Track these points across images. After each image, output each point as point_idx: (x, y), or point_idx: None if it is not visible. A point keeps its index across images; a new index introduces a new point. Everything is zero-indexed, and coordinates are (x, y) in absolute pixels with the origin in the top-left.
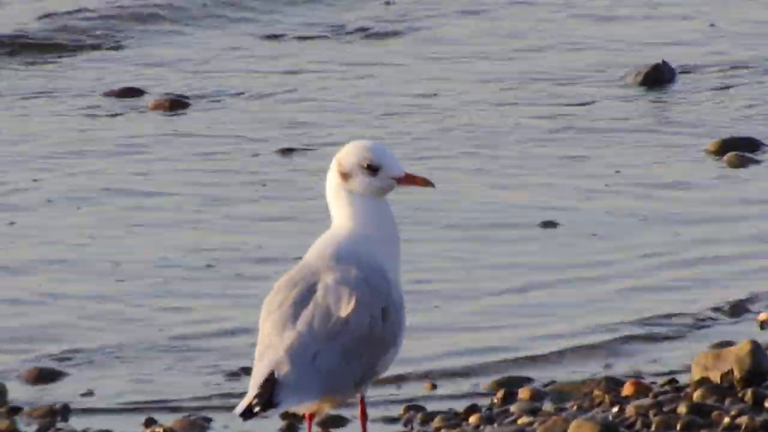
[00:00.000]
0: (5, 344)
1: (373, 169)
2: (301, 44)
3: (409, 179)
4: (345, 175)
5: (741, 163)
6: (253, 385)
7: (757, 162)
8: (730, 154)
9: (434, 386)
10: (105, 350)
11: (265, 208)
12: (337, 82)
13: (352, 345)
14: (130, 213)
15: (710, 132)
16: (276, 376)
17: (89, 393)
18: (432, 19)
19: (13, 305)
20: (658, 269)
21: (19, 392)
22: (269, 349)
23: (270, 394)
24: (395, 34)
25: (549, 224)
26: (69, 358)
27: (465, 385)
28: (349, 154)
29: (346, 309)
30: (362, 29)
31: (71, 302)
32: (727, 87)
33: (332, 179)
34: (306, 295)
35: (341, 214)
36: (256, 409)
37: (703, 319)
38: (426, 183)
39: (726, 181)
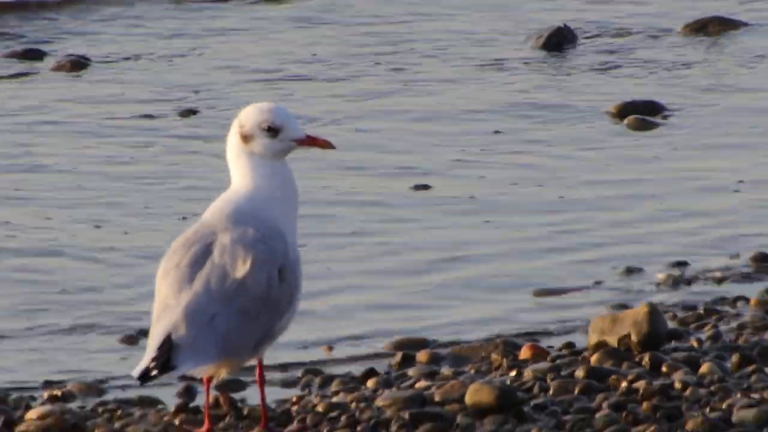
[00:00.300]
0: None
1: (273, 131)
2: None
3: (310, 141)
4: (246, 137)
5: (642, 126)
6: (150, 348)
7: (656, 125)
8: (630, 117)
9: (331, 349)
10: None
11: (152, 168)
12: (242, 46)
13: (250, 306)
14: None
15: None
16: (173, 338)
17: None
18: None
19: None
20: (555, 233)
21: None
22: (166, 310)
23: (167, 356)
24: None
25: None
26: None
27: (363, 348)
28: (249, 115)
29: (242, 269)
30: None
31: None
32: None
33: (232, 140)
34: (203, 255)
35: (240, 175)
36: (154, 372)
37: (599, 282)
38: (327, 145)
39: (626, 142)
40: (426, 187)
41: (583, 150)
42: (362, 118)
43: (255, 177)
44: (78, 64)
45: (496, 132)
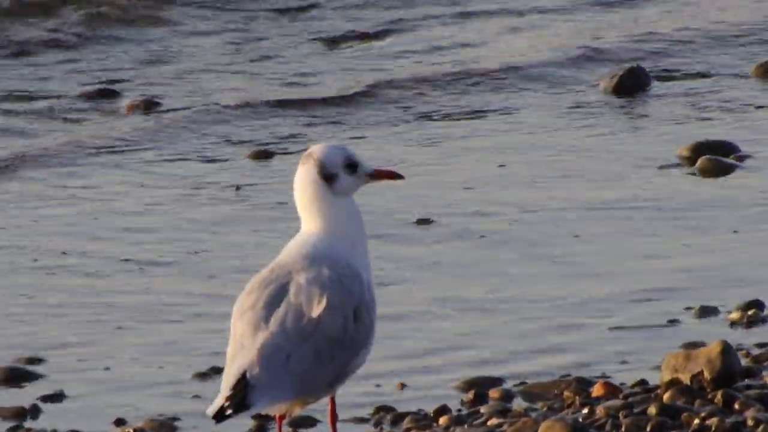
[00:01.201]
0: None
1: (353, 167)
2: None
3: (380, 174)
4: (329, 177)
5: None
6: (224, 387)
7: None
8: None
9: (404, 386)
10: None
11: None
12: None
13: (325, 346)
14: None
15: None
16: (248, 377)
17: (59, 394)
18: None
19: None
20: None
21: None
22: (242, 350)
23: (242, 395)
24: None
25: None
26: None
27: (436, 386)
28: (329, 155)
29: (318, 309)
30: None
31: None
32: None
33: (313, 182)
34: (278, 295)
35: (317, 216)
36: (229, 411)
37: (673, 320)
38: (395, 176)
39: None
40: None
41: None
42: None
43: (333, 217)
44: None
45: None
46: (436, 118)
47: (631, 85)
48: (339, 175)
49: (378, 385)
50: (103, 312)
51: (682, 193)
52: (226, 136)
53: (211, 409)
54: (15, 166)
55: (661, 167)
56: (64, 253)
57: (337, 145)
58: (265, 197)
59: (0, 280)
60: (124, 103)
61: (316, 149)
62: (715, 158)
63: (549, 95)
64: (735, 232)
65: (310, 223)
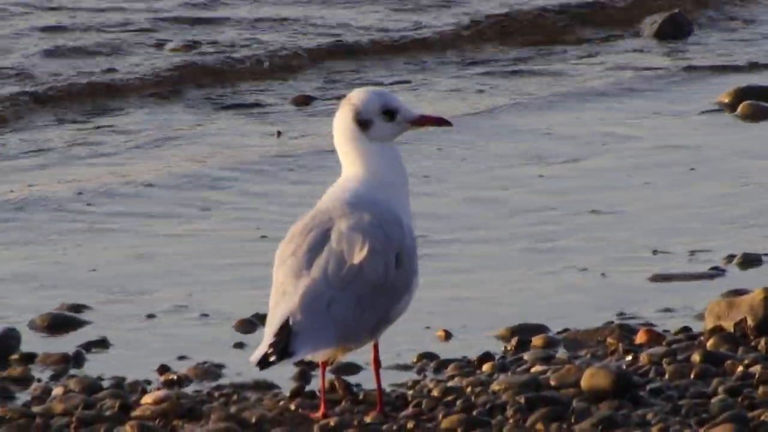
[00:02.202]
0: (20, 292)
1: (391, 114)
2: None
3: (425, 120)
4: (363, 123)
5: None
6: (267, 334)
7: None
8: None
9: (448, 334)
10: (120, 300)
11: None
12: None
13: (367, 292)
14: None
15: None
16: (291, 324)
17: (103, 341)
18: None
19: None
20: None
21: (33, 339)
22: (284, 297)
23: (285, 343)
24: None
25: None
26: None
27: (479, 334)
28: (366, 100)
29: (359, 255)
30: None
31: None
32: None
33: (347, 126)
34: (320, 241)
35: (354, 160)
36: (272, 358)
37: (716, 267)
38: (442, 122)
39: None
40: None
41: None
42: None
43: (371, 162)
44: None
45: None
46: None
47: (673, 31)
48: (374, 121)
49: (426, 328)
50: (148, 261)
51: (723, 138)
52: None
53: (255, 357)
54: None
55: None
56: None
57: (378, 91)
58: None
59: (46, 225)
60: None
61: (354, 94)
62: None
63: None
64: None
65: (349, 168)
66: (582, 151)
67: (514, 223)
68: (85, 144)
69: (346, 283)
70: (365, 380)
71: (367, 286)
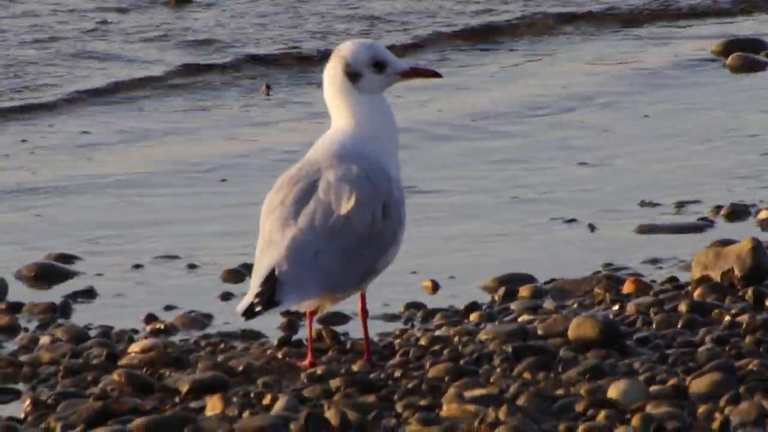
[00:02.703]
0: (6, 241)
1: (380, 66)
2: None
3: (415, 72)
4: (352, 75)
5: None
6: (254, 284)
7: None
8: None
9: (436, 284)
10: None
11: None
12: None
13: (353, 242)
14: None
15: None
16: (277, 274)
17: (89, 291)
18: None
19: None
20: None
21: (19, 289)
22: (270, 246)
23: (271, 292)
24: None
25: None
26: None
27: (465, 284)
28: (355, 53)
29: (346, 206)
30: None
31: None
32: None
33: (337, 79)
34: (307, 192)
35: (343, 113)
36: (258, 308)
37: (703, 218)
38: (433, 74)
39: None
40: None
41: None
42: None
43: (360, 114)
44: None
45: None
46: None
47: None
48: (363, 73)
49: (412, 273)
50: (136, 210)
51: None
52: None
53: (241, 306)
54: None
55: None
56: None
57: (367, 43)
58: None
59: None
60: None
61: (344, 46)
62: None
63: None
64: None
65: (338, 120)
66: (572, 104)
67: (503, 174)
68: None
69: (332, 233)
70: (353, 330)
71: (354, 237)
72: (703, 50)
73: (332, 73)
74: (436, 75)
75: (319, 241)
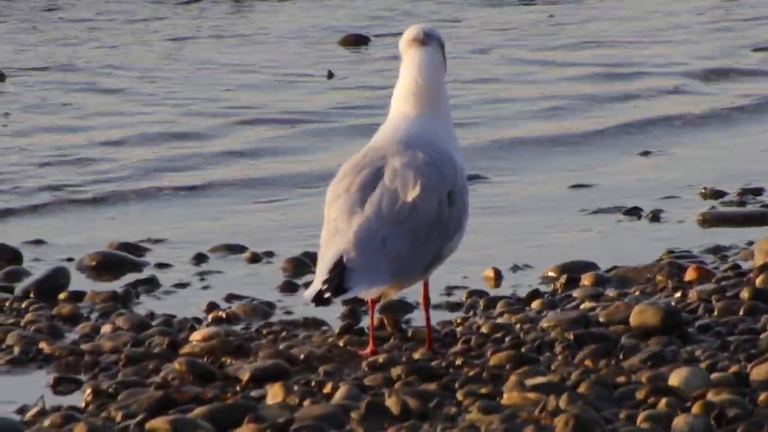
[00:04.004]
0: (72, 232)
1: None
2: None
3: None
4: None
5: None
6: (321, 271)
7: None
8: None
9: (498, 273)
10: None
11: None
12: None
13: (420, 229)
14: None
15: None
16: (345, 261)
17: (152, 280)
18: None
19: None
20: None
21: (81, 278)
22: (337, 234)
23: (340, 279)
24: None
25: None
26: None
27: (527, 270)
28: (439, 36)
29: (413, 193)
30: None
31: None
32: None
33: (440, 63)
34: (373, 179)
35: (426, 98)
36: (327, 294)
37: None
38: None
39: None
40: None
41: None
42: None
43: (437, 98)
44: None
45: None
46: None
47: None
48: (445, 58)
49: (475, 269)
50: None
51: None
52: None
53: (309, 293)
54: None
55: None
56: None
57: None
58: None
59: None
60: None
61: (430, 28)
62: None
63: None
64: None
65: (407, 105)
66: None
67: (563, 162)
68: None
69: (400, 220)
70: (415, 318)
71: (421, 224)
72: None
73: (436, 57)
74: None
75: (387, 227)
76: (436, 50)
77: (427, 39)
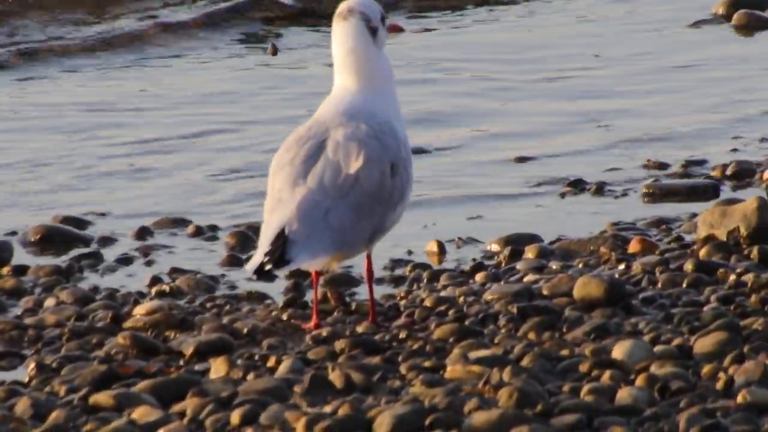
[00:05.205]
0: (14, 205)
1: (384, 21)
2: None
3: (392, 29)
4: (373, 31)
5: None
6: (263, 243)
7: None
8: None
9: (442, 246)
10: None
11: None
12: None
13: (363, 201)
14: None
15: None
16: (287, 232)
17: (96, 254)
18: None
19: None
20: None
21: (24, 252)
22: (280, 204)
23: (281, 251)
24: None
25: None
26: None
27: (470, 243)
28: (370, 8)
29: (355, 164)
30: None
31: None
32: None
33: (361, 35)
34: (316, 151)
35: (358, 70)
36: (268, 266)
37: (710, 177)
38: (401, 29)
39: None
40: None
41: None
42: None
43: (375, 70)
44: None
45: None
46: None
47: None
48: (379, 29)
49: (424, 227)
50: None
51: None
52: None
53: (251, 266)
54: None
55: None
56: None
57: None
58: None
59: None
60: None
61: (355, 3)
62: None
63: None
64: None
65: (347, 79)
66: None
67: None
68: None
69: (343, 192)
70: (358, 292)
71: (364, 195)
72: None
73: (356, 29)
74: (402, 30)
75: (330, 199)
76: (357, 24)
77: (348, 14)
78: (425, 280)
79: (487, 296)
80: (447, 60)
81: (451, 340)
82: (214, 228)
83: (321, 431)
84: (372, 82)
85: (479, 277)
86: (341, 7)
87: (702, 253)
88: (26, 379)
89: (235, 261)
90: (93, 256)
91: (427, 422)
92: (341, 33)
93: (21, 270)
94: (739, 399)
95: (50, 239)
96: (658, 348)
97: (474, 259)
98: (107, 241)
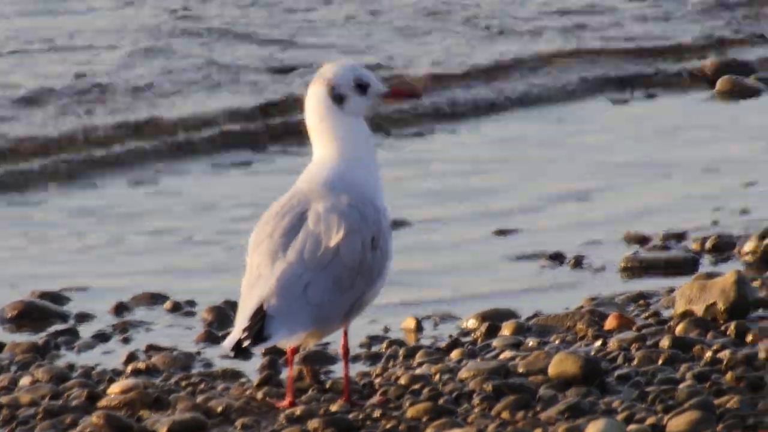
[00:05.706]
0: None
1: (363, 88)
2: None
3: (397, 93)
4: (339, 98)
5: None
6: (241, 318)
7: None
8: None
9: (419, 323)
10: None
11: None
12: None
13: (343, 275)
14: None
15: None
16: (266, 308)
17: (73, 330)
18: None
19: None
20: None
21: (0, 329)
22: (259, 280)
23: (260, 327)
24: None
25: None
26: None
27: (448, 320)
28: (339, 75)
29: (336, 237)
30: None
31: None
32: None
33: (323, 103)
34: (296, 224)
35: (329, 139)
36: (246, 343)
37: (690, 250)
38: (412, 94)
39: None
40: None
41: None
42: None
43: (345, 139)
44: None
45: None
46: None
47: None
48: (348, 95)
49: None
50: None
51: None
52: None
53: (228, 342)
54: None
55: None
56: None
57: (350, 64)
58: None
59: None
60: None
61: (326, 69)
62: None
63: None
64: None
65: (322, 148)
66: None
67: (483, 205)
68: None
69: (323, 265)
70: (334, 369)
71: (344, 269)
72: None
73: (317, 96)
74: (418, 95)
75: (310, 273)
76: (317, 91)
77: (314, 80)
78: (401, 357)
79: (463, 374)
80: None
81: (424, 419)
82: (191, 303)
83: None
84: (347, 151)
85: (455, 354)
86: (317, 72)
87: (679, 329)
88: None
89: (211, 337)
90: (69, 333)
91: None
92: (306, 100)
93: None
94: None
95: (28, 315)
96: (631, 427)
97: (450, 336)
98: (84, 317)
